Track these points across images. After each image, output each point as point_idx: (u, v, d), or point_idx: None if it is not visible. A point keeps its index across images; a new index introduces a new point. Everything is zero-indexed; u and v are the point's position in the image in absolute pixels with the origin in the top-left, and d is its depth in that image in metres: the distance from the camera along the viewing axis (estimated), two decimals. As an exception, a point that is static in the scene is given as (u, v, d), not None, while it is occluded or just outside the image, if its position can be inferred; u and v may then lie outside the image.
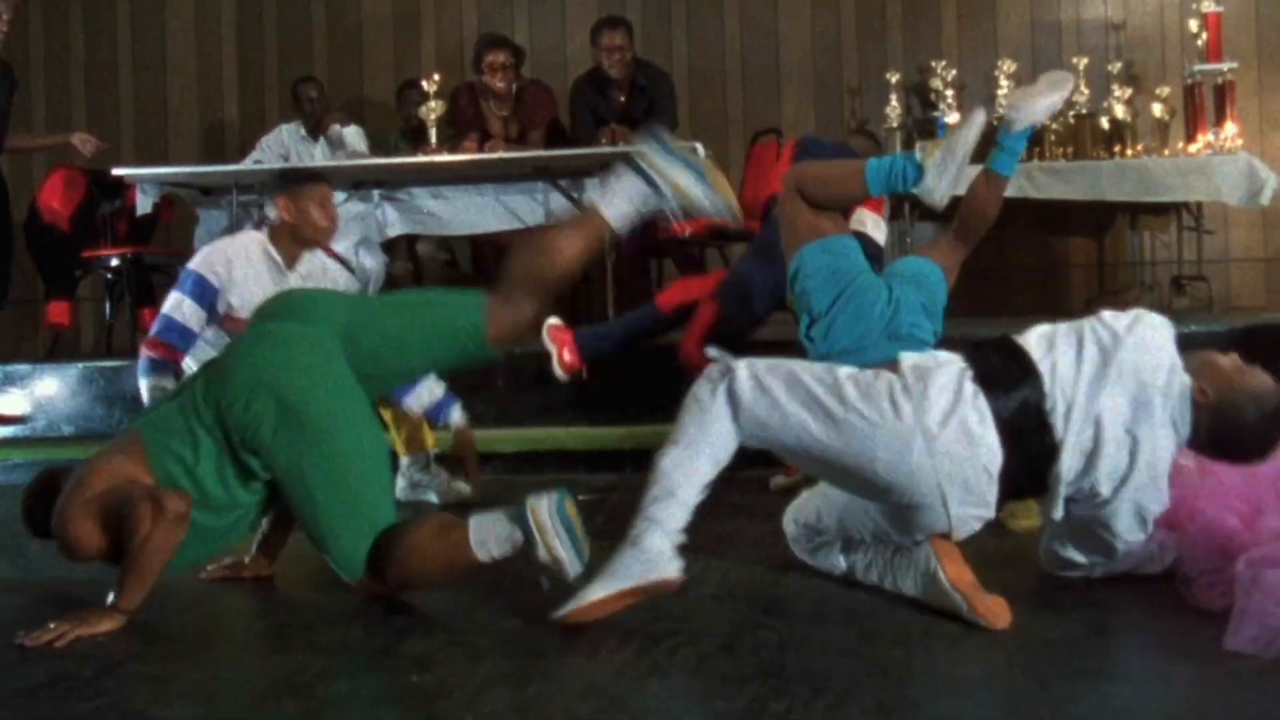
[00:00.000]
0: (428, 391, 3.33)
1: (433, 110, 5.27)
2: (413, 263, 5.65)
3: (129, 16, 6.64)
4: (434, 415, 3.39)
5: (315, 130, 5.49)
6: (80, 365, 4.64)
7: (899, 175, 2.79)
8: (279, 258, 3.34)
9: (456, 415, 3.39)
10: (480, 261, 5.67)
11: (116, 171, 5.11)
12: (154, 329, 3.29)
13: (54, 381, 4.61)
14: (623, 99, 5.29)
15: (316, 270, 3.45)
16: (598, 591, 1.96)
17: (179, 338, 3.23)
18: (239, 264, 3.29)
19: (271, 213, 3.38)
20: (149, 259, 5.33)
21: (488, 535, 2.12)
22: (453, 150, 5.06)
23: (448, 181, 5.05)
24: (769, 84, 6.29)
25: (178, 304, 3.25)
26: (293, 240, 3.34)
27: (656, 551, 1.95)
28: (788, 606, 2.10)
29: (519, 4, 6.43)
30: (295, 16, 6.54)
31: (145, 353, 3.25)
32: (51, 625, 2.11)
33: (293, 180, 3.42)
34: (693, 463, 2.00)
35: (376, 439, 2.34)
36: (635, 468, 3.54)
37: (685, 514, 2.00)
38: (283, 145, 5.39)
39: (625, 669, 1.80)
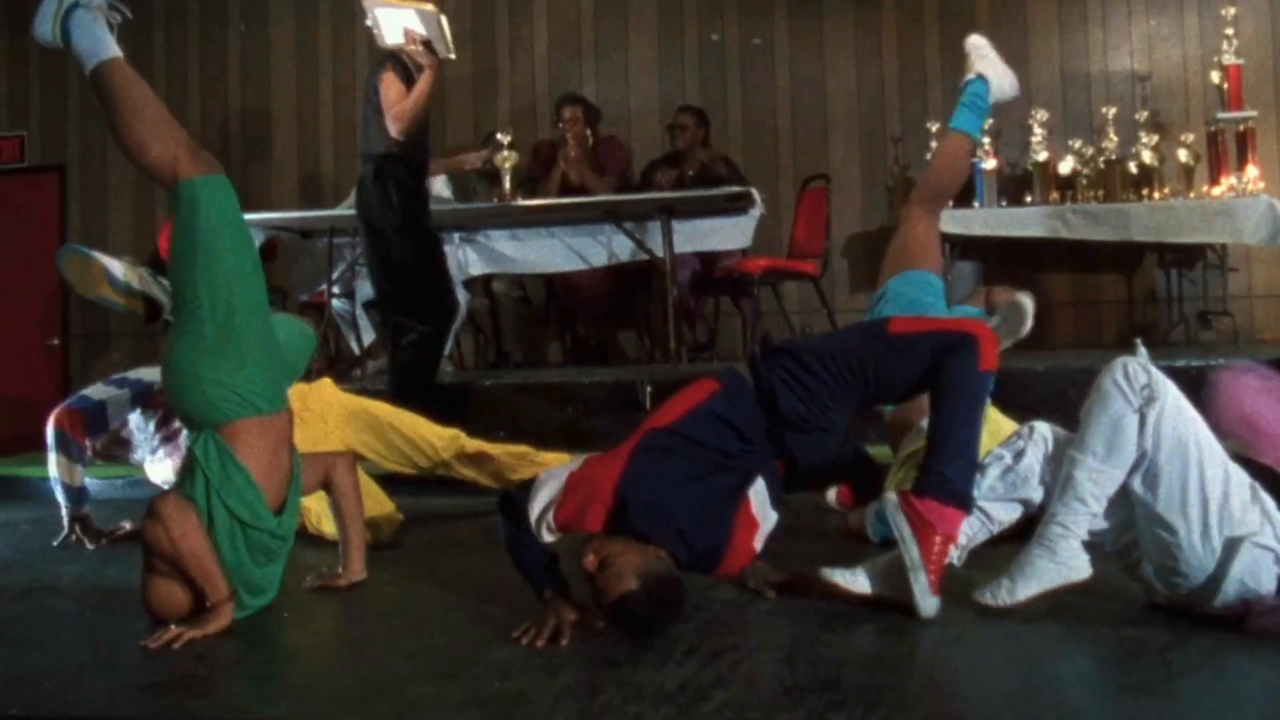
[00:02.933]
0: None
1: (507, 160, 5.33)
2: (489, 299, 5.70)
3: (239, 74, 6.81)
4: None
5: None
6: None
7: (975, 101, 2.90)
8: None
9: None
10: (551, 297, 5.71)
11: (226, 216, 5.23)
12: None
13: (170, 405, 4.70)
14: (691, 173, 5.38)
15: None
16: (1023, 592, 2.02)
17: None
18: None
19: None
20: (255, 294, 5.37)
21: None
22: (527, 196, 5.12)
23: (522, 224, 5.10)
24: (817, 133, 6.27)
25: None
26: None
27: (1071, 555, 2.01)
28: (842, 623, 2.06)
29: (586, 63, 6.48)
30: (385, 76, 6.65)
31: None
32: (171, 627, 2.16)
33: None
34: (1103, 474, 1.98)
35: None
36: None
37: (1091, 521, 2.02)
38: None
39: (691, 680, 1.78)
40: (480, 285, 5.60)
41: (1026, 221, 5.25)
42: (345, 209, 5.33)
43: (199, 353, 2.26)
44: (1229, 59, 5.40)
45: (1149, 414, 1.93)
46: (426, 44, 3.97)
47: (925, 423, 2.63)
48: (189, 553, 2.17)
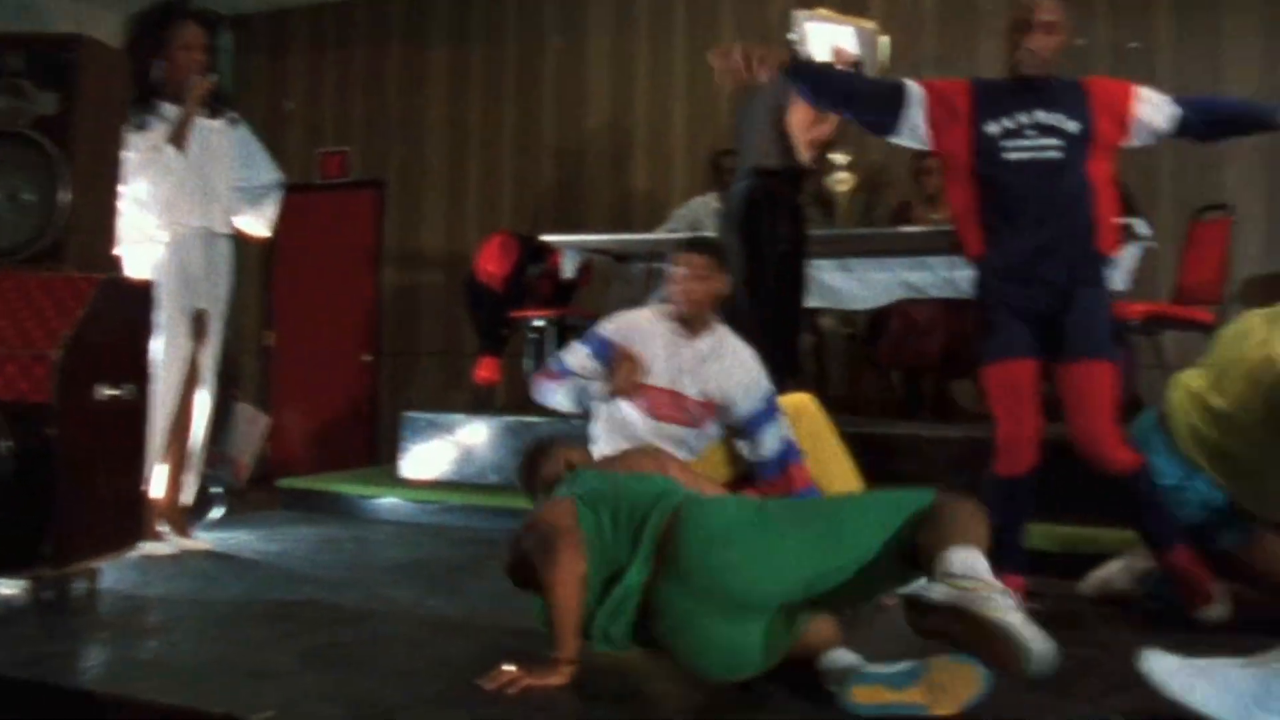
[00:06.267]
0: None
1: (842, 183, 5.34)
2: (816, 335, 5.71)
3: (553, 95, 7.26)
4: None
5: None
6: (505, 418, 5.08)
7: None
8: (681, 329, 3.44)
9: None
10: (878, 337, 5.61)
11: (544, 238, 5.59)
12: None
13: (482, 431, 5.06)
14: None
15: (722, 350, 3.47)
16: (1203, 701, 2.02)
17: (559, 367, 3.49)
18: (640, 332, 3.45)
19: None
20: (569, 320, 5.67)
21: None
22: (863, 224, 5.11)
23: (856, 254, 5.08)
24: (1208, 153, 5.74)
25: (574, 349, 3.52)
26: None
27: None
28: None
29: (926, 73, 6.33)
30: (704, 92, 6.85)
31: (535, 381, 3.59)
32: (506, 669, 2.28)
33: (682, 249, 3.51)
34: None
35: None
36: (1060, 572, 3.36)
37: None
38: (695, 216, 5.62)
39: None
40: (805, 320, 5.61)
41: None
42: (664, 232, 5.54)
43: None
44: None
45: None
46: (856, 65, 4.03)
47: None
48: (553, 601, 2.29)
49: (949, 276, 4.99)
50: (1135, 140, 3.13)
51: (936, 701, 2.09)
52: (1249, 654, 2.14)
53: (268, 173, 4.34)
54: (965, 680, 2.09)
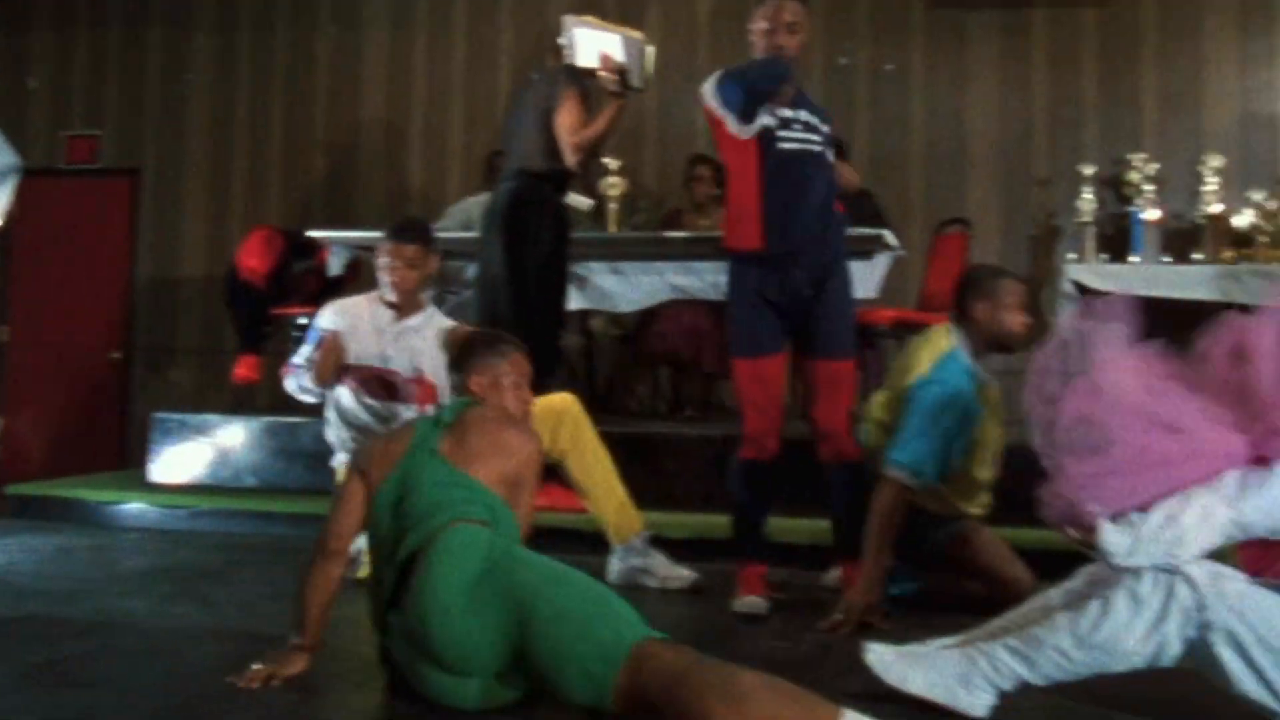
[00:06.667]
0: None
1: (613, 187, 5.43)
2: (586, 336, 5.77)
3: (326, 87, 7.06)
4: None
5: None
6: (264, 418, 4.89)
7: None
8: (392, 311, 3.62)
9: None
10: (644, 335, 5.72)
11: (310, 233, 5.42)
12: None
13: (240, 433, 4.86)
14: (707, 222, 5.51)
15: (429, 325, 3.64)
16: (911, 684, 2.21)
17: (293, 361, 3.69)
18: (350, 315, 3.63)
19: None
20: (334, 319, 5.49)
21: None
22: (635, 228, 5.20)
23: (626, 258, 5.16)
24: (953, 172, 6.25)
25: (304, 345, 3.70)
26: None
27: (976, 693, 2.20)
28: None
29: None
30: (483, 91, 6.82)
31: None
32: (255, 667, 2.30)
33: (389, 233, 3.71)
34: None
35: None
36: (807, 564, 3.54)
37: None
38: (468, 215, 5.58)
39: None
40: (576, 321, 5.66)
41: (1193, 281, 5.12)
42: (437, 231, 5.44)
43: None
44: None
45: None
46: (622, 73, 4.10)
47: None
48: (301, 591, 2.38)
49: (716, 281, 5.14)
50: None
51: None
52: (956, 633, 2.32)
53: (2, 156, 4.05)
54: None
